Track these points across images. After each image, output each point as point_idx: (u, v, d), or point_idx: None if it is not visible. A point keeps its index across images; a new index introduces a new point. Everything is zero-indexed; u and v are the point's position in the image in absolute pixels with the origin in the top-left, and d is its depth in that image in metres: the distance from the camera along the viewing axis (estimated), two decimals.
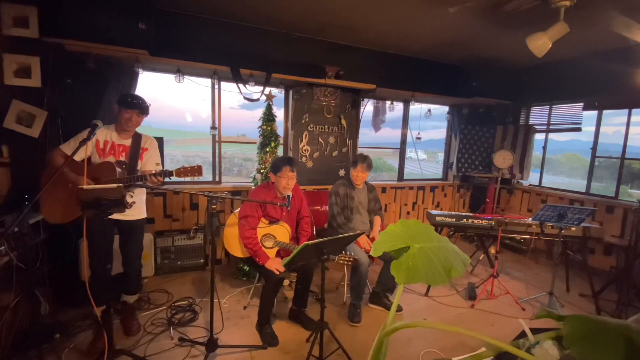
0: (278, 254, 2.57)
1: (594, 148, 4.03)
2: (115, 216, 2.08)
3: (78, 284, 2.73)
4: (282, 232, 2.58)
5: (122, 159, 2.26)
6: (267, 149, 3.45)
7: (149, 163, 2.35)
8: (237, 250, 2.59)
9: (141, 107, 2.23)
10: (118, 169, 2.12)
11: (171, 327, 2.45)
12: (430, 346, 2.38)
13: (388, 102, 4.45)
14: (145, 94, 3.43)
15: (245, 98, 3.39)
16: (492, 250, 3.92)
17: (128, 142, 2.29)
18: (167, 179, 2.16)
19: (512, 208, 4.86)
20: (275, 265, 2.36)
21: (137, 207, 2.34)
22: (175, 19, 3.18)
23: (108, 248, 2.26)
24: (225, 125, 3.66)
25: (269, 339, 2.32)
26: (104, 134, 2.23)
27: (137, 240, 2.41)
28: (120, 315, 2.45)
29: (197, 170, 2.18)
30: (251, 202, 2.49)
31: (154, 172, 2.13)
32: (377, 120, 4.54)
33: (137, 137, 2.32)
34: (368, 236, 2.92)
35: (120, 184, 1.85)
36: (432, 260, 0.69)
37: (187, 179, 2.20)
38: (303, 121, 3.79)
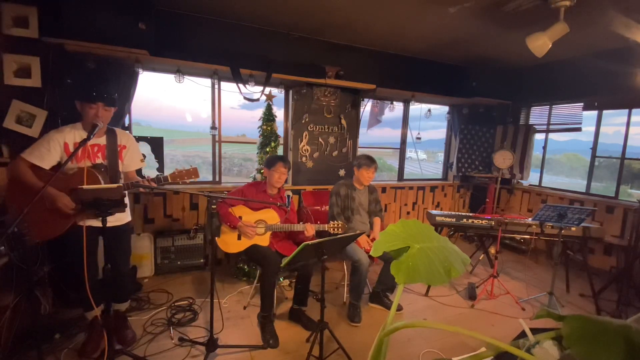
0: (271, 244, 2.64)
1: (594, 148, 4.03)
2: (99, 224, 1.81)
3: (78, 284, 2.73)
4: (272, 215, 2.64)
5: (99, 160, 2.02)
6: (267, 149, 3.45)
7: (132, 162, 2.14)
8: (232, 246, 2.60)
9: (105, 99, 1.97)
10: (99, 175, 1.93)
11: (171, 327, 2.45)
12: (430, 346, 2.38)
13: (388, 102, 4.45)
14: (145, 94, 3.46)
15: (245, 98, 3.39)
16: (492, 250, 3.92)
17: (102, 140, 2.03)
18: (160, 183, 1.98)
19: (512, 208, 4.86)
20: (247, 228, 2.50)
21: (121, 212, 2.05)
22: (175, 19, 3.18)
23: (94, 258, 2.09)
24: (225, 125, 3.67)
25: (269, 340, 2.32)
26: (72, 135, 1.98)
27: (124, 246, 2.24)
28: (112, 324, 2.35)
29: (192, 172, 2.03)
30: (237, 198, 2.60)
31: (147, 178, 1.96)
32: (373, 120, 4.55)
33: (111, 134, 2.07)
34: (368, 236, 2.93)
35: (120, 185, 1.84)
36: (432, 260, 0.69)
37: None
38: (303, 121, 3.80)
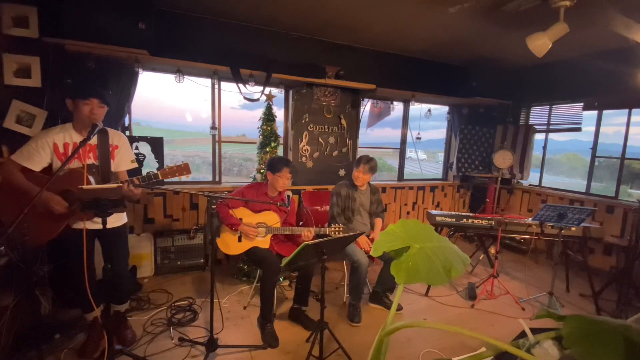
0: (272, 246, 2.64)
1: (594, 148, 4.03)
2: (94, 226, 1.81)
3: (76, 286, 2.72)
4: (273, 217, 2.64)
5: (91, 161, 1.96)
6: (267, 149, 3.45)
7: (122, 162, 2.09)
8: (233, 248, 2.60)
9: (101, 94, 1.92)
10: (90, 176, 1.88)
11: (171, 327, 2.45)
12: (430, 346, 2.38)
13: (388, 102, 4.45)
14: (145, 94, 3.46)
15: (245, 98, 3.39)
16: (492, 250, 3.93)
17: (93, 140, 1.96)
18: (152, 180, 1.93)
19: (512, 208, 4.86)
20: (249, 229, 2.52)
21: (117, 213, 2.07)
22: (175, 19, 3.18)
23: (90, 260, 2.02)
24: (225, 125, 3.67)
25: (269, 340, 2.32)
26: (61, 136, 1.91)
27: (122, 248, 2.20)
28: (112, 324, 2.28)
29: (184, 168, 1.95)
30: (237, 198, 2.60)
31: (136, 178, 1.88)
32: (373, 119, 4.56)
33: (103, 134, 1.99)
34: (368, 237, 2.92)
35: (121, 184, 1.83)
36: (432, 260, 0.69)
37: (185, 178, 2.03)
38: (303, 121, 3.80)
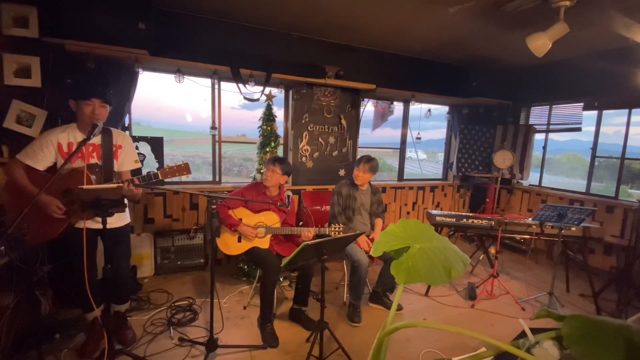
0: (272, 246, 2.64)
1: (594, 148, 4.03)
2: (97, 225, 1.82)
3: (77, 285, 2.72)
4: (272, 217, 2.64)
5: (94, 160, 1.98)
6: (267, 149, 3.46)
7: (126, 162, 2.10)
8: (233, 248, 2.60)
9: (100, 93, 1.93)
10: (92, 176, 1.88)
11: (171, 327, 2.45)
12: (430, 346, 2.38)
13: (388, 103, 4.45)
14: (145, 94, 3.46)
15: (245, 98, 3.39)
16: (492, 250, 3.92)
17: (97, 140, 1.98)
18: (153, 180, 1.92)
19: (512, 208, 4.86)
20: (247, 229, 2.52)
21: (120, 213, 2.07)
22: (175, 19, 3.18)
23: (92, 259, 2.06)
24: (225, 125, 3.67)
25: (269, 340, 2.32)
26: (65, 136, 1.94)
27: (124, 248, 2.21)
28: (112, 324, 2.25)
29: (184, 168, 1.95)
30: (237, 198, 2.61)
31: (136, 177, 1.89)
32: (378, 121, 4.56)
33: (107, 134, 2.01)
34: (368, 237, 2.92)
35: (121, 184, 1.83)
36: (432, 260, 0.69)
37: (185, 178, 2.02)
38: (303, 121, 3.80)
